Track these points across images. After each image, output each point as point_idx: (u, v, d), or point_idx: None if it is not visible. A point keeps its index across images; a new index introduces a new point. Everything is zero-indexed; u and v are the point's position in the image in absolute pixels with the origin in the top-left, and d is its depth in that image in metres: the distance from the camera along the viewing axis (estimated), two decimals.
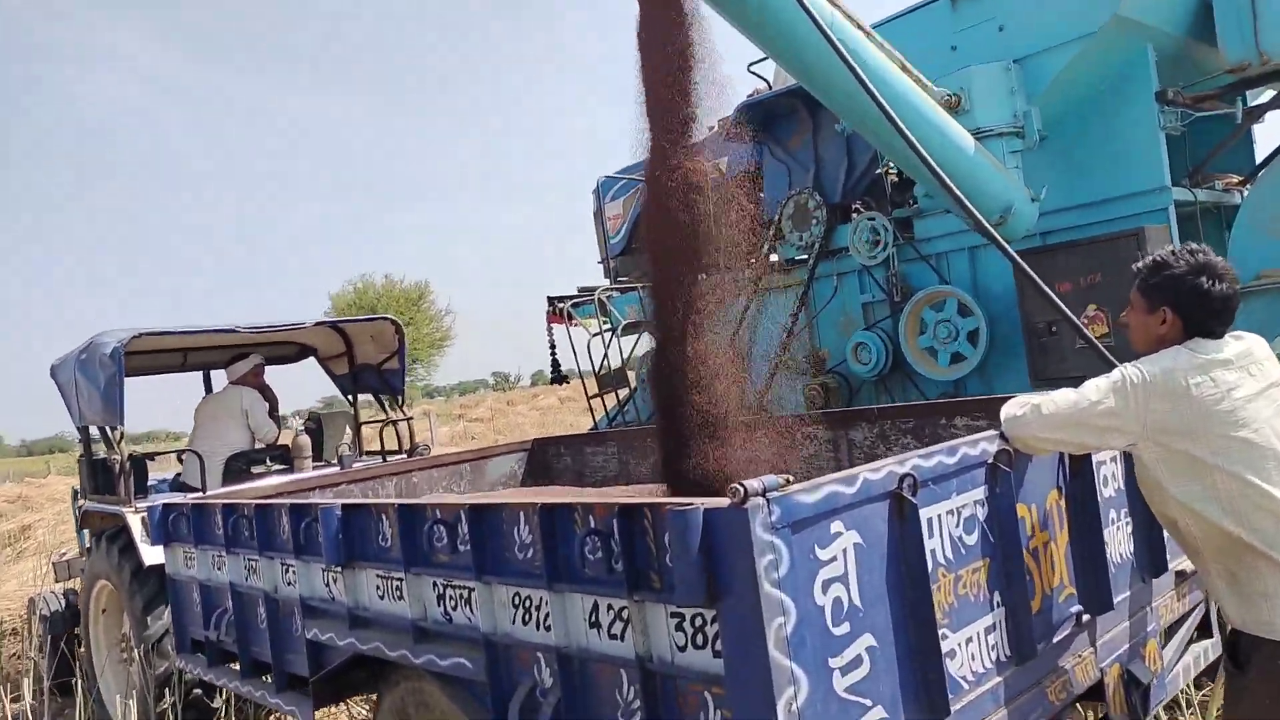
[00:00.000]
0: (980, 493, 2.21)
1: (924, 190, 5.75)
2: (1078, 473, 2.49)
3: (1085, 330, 3.35)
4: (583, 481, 5.15)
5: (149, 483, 5.91)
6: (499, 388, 64.53)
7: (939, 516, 2.08)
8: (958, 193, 3.35)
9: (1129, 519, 2.68)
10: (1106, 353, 3.16)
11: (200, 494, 4.99)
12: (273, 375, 6.60)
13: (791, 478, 1.73)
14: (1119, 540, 2.62)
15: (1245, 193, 5.34)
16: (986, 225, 3.41)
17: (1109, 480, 2.61)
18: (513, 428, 26.12)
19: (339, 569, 2.87)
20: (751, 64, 6.97)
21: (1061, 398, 2.23)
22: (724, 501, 1.67)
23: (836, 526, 1.82)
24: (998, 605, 2.20)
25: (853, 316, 6.28)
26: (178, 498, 4.84)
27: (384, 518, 2.67)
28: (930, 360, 5.70)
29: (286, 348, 6.98)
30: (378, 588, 2.79)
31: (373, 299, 43.16)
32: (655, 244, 3.44)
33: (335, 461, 5.85)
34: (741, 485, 1.64)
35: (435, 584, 2.54)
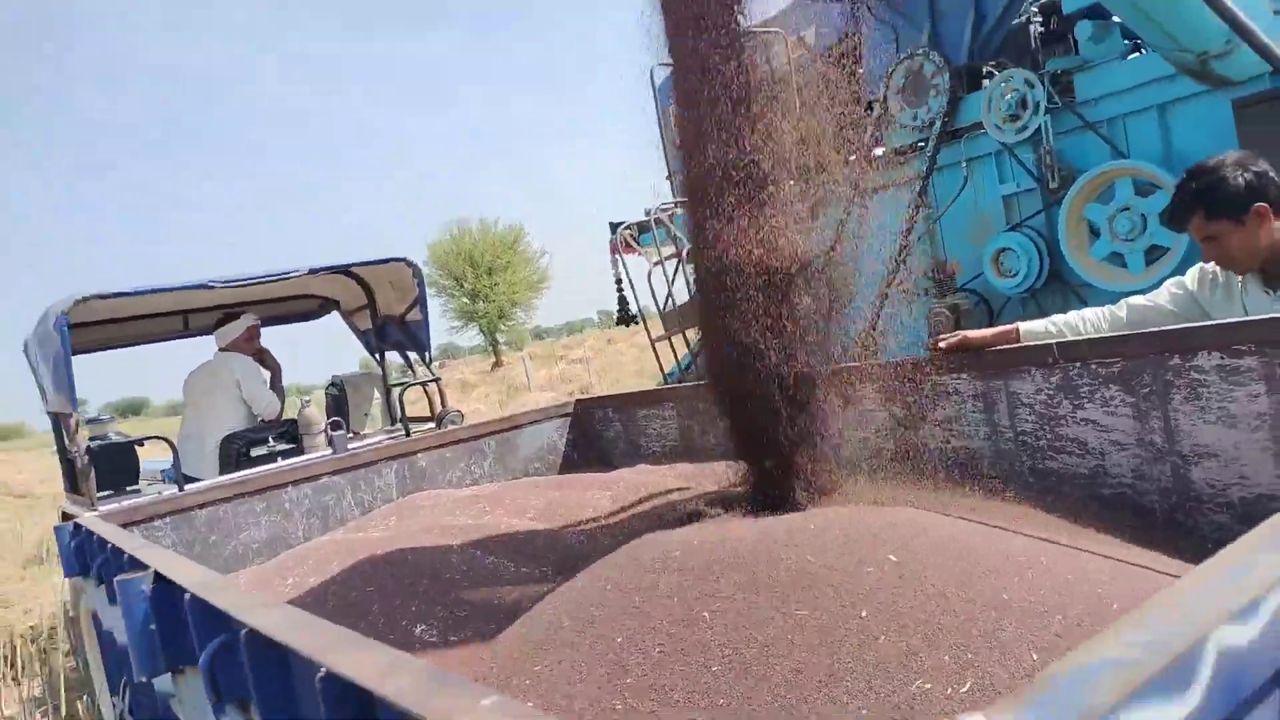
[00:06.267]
0: None
1: (1090, 31, 4.16)
2: None
3: None
4: (638, 455, 3.92)
5: (141, 472, 5.02)
6: (603, 325, 63.85)
7: None
8: None
9: None
10: None
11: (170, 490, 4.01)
12: (304, 340, 5.62)
13: None
14: None
15: None
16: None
17: None
18: (612, 368, 25.21)
19: (165, 676, 1.73)
20: None
21: None
22: None
23: None
24: None
25: (990, 215, 4.77)
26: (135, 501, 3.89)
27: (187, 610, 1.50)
28: (1119, 271, 4.17)
29: (303, 303, 5.95)
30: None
31: (469, 245, 42.73)
32: (695, 163, 2.33)
33: (349, 434, 4.80)
34: None
35: None
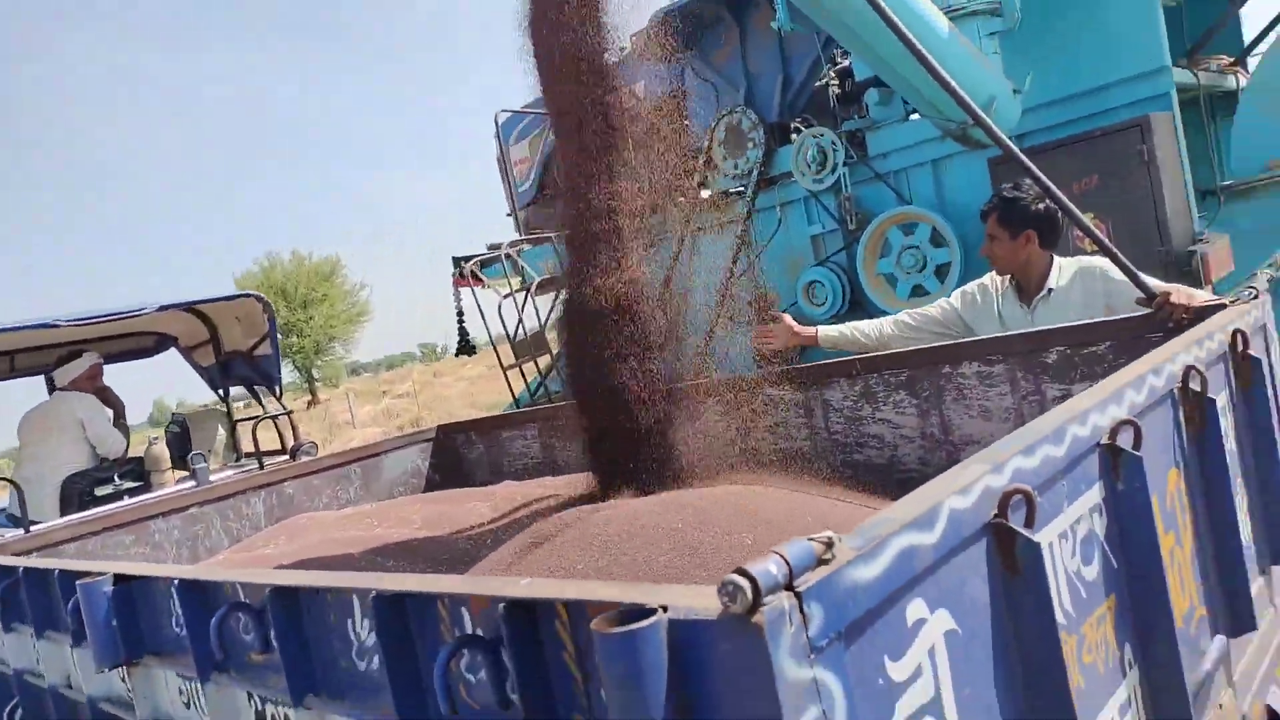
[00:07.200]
0: (1095, 494, 1.38)
1: (877, 97, 4.92)
2: (1201, 432, 1.69)
3: (1106, 241, 2.56)
4: (501, 474, 4.24)
5: None
6: (427, 359, 62.67)
7: (1052, 547, 1.25)
8: (944, 74, 2.49)
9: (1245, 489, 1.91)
10: (1132, 267, 2.47)
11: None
12: (140, 375, 5.53)
13: (835, 539, 0.87)
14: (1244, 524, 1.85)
15: (1242, 76, 4.63)
16: (979, 112, 2.60)
17: (1227, 436, 1.82)
18: (439, 402, 24.99)
19: (122, 667, 1.93)
20: None
21: None
22: (703, 601, 0.80)
23: (916, 609, 0.98)
24: (1130, 667, 1.39)
25: (801, 252, 5.45)
26: None
27: (173, 595, 1.74)
28: (887, 289, 4.91)
29: (140, 339, 5.86)
30: (180, 692, 1.87)
31: (280, 278, 41.08)
32: (573, 187, 2.62)
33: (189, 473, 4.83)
34: (745, 576, 0.77)
35: (251, 696, 1.63)
